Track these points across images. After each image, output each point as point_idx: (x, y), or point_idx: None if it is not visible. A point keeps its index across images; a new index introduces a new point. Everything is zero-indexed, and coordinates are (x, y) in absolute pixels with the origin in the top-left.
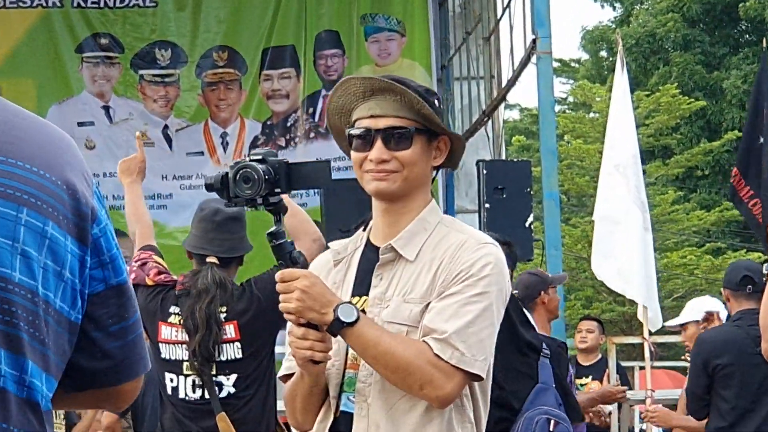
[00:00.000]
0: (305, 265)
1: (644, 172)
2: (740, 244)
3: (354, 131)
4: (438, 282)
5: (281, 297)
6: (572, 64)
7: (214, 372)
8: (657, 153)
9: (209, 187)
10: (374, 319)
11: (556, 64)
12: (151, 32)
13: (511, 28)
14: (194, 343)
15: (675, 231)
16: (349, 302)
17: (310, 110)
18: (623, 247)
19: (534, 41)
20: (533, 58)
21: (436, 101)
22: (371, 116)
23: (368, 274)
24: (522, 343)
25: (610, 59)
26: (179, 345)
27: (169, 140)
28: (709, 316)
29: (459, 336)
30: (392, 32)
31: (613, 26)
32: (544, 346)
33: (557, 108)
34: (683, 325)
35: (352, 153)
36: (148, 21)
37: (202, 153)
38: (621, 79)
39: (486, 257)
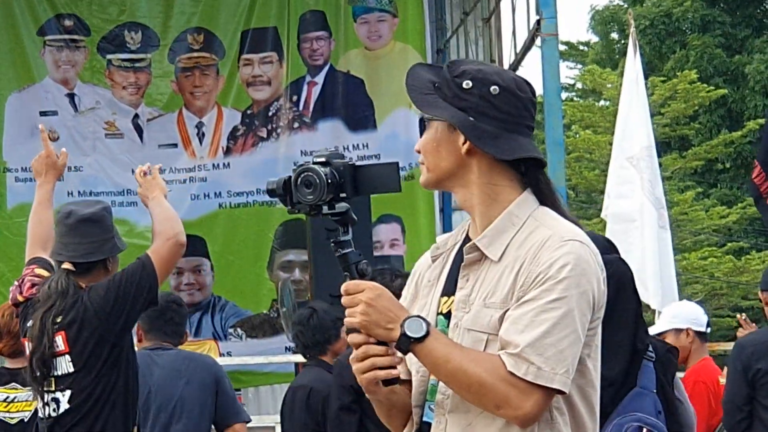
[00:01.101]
0: (373, 278)
1: (660, 165)
2: (764, 244)
3: None
4: (518, 285)
5: (347, 311)
6: (580, 47)
7: (53, 388)
8: (673, 144)
9: (271, 193)
10: (458, 323)
11: (562, 48)
12: (120, 13)
13: (513, 8)
14: (34, 356)
15: (693, 230)
16: (418, 316)
17: (294, 98)
18: (638, 247)
19: (538, 22)
20: (537, 41)
21: (467, 83)
22: None
23: (459, 273)
24: None
25: (622, 42)
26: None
27: (139, 131)
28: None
29: (534, 349)
30: (383, 12)
31: (626, 6)
32: (650, 348)
33: (564, 95)
34: (661, 334)
35: None
36: (117, 1)
37: (175, 145)
38: (633, 64)
39: (565, 257)
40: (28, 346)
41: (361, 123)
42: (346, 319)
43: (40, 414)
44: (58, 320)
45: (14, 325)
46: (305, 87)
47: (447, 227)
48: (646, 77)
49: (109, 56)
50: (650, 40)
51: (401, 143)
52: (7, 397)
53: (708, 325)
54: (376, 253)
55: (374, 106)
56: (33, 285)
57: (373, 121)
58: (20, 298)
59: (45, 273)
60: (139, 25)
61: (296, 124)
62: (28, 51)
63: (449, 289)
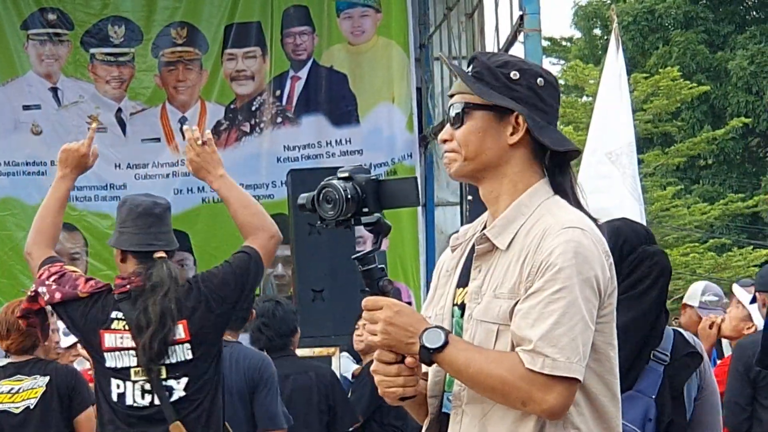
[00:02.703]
0: (396, 294)
1: (641, 161)
2: (746, 241)
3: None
4: (524, 276)
5: (367, 328)
6: (563, 43)
7: (164, 376)
8: (656, 141)
9: (302, 208)
10: (471, 314)
11: (545, 43)
12: (104, 7)
13: (497, 3)
14: (144, 338)
15: (675, 226)
16: (436, 327)
17: (278, 93)
18: None
19: (521, 18)
20: (520, 37)
21: (514, 73)
22: (450, 95)
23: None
24: None
25: (605, 38)
26: (125, 351)
27: (122, 125)
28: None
29: (546, 341)
30: (366, 7)
31: (609, 2)
32: (662, 350)
33: None
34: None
35: None
36: None
37: (158, 139)
38: (615, 60)
39: (565, 244)
40: (120, 339)
41: (344, 118)
42: (367, 338)
43: (130, 402)
44: (173, 307)
45: (23, 323)
46: (288, 82)
47: (429, 223)
48: (628, 73)
49: (92, 50)
50: (633, 36)
51: (384, 138)
52: (12, 389)
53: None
54: (358, 248)
55: (357, 101)
56: (88, 280)
57: (356, 116)
58: (82, 294)
59: (76, 269)
60: (123, 19)
61: (279, 119)
62: (12, 45)
63: (464, 281)
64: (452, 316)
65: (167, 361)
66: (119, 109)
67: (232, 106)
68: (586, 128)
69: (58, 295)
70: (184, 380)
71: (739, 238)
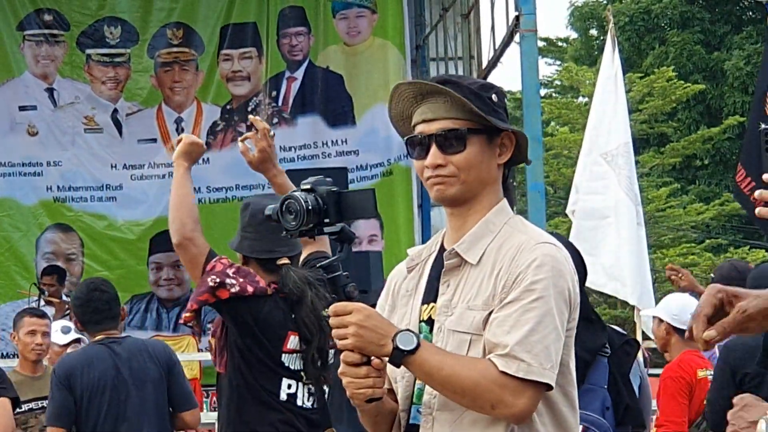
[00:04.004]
0: (365, 300)
1: (637, 162)
2: (743, 241)
3: (411, 138)
4: (499, 288)
5: (335, 332)
6: (559, 44)
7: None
8: (652, 141)
9: (269, 218)
10: (441, 327)
11: (541, 44)
12: (99, 8)
13: (492, 4)
14: (312, 350)
15: (671, 226)
16: (408, 329)
17: (273, 93)
18: (613, 244)
19: (517, 18)
20: (516, 37)
21: (494, 96)
22: (423, 121)
23: (438, 280)
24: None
25: (601, 38)
26: (298, 354)
27: (118, 126)
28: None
29: (522, 347)
30: (362, 8)
31: (605, 2)
32: (605, 344)
33: (543, 92)
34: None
35: (414, 162)
36: None
37: (154, 140)
38: (611, 60)
39: (541, 258)
40: (296, 342)
41: (340, 118)
42: (338, 342)
43: (300, 403)
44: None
45: (186, 318)
46: (284, 82)
47: (425, 223)
48: (625, 74)
49: (88, 51)
50: (629, 37)
51: (380, 139)
52: None
53: None
54: (354, 249)
55: (353, 102)
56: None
57: (352, 116)
58: (270, 291)
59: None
60: (119, 20)
61: (275, 120)
62: (8, 45)
63: (429, 297)
64: (420, 333)
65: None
66: (115, 110)
67: (228, 107)
68: (582, 129)
69: (250, 289)
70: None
71: (736, 238)
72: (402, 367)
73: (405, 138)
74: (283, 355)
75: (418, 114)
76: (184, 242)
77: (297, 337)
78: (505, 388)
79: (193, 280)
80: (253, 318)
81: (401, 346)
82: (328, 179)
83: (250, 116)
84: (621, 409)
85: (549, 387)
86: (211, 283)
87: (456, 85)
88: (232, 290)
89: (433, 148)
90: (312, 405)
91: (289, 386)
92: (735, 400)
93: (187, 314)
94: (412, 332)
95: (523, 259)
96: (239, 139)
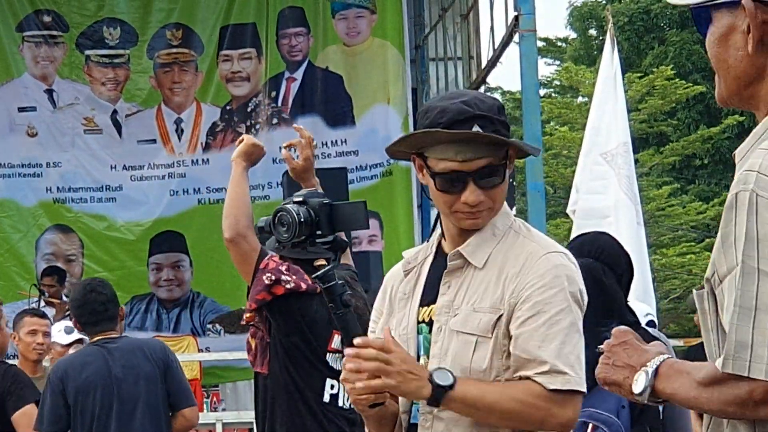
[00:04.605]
0: (364, 307)
1: (636, 161)
2: None
3: (444, 173)
4: (509, 292)
5: (376, 369)
6: (559, 44)
7: None
8: (651, 140)
9: (261, 230)
10: (441, 327)
11: (540, 44)
12: (99, 9)
13: (492, 4)
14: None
15: (671, 226)
16: (440, 368)
17: (273, 94)
18: None
19: (516, 18)
20: (516, 37)
21: (504, 116)
22: (462, 160)
23: (437, 283)
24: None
25: (600, 38)
26: (340, 355)
27: (118, 127)
28: None
29: (560, 360)
30: (361, 8)
31: (604, 2)
32: None
33: (542, 92)
34: None
35: (440, 194)
36: None
37: (154, 141)
38: (610, 60)
39: (555, 269)
40: (337, 339)
41: (339, 119)
42: (375, 381)
43: (341, 403)
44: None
45: (249, 318)
46: (284, 83)
47: (425, 223)
48: (623, 73)
49: (87, 52)
50: (629, 37)
51: (380, 139)
52: None
53: (650, 324)
54: (354, 249)
55: (353, 102)
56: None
57: (352, 117)
58: (319, 290)
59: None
60: (118, 21)
61: (275, 121)
62: (7, 47)
63: (427, 299)
64: (418, 333)
65: None
66: (115, 111)
67: (227, 108)
68: (581, 129)
69: (303, 286)
70: None
71: None
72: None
73: (433, 173)
74: (328, 354)
75: (450, 151)
76: (237, 238)
77: (340, 337)
78: (552, 402)
79: (242, 276)
80: (302, 315)
81: (440, 382)
82: (319, 191)
83: (295, 125)
84: (637, 409)
85: (584, 394)
86: (267, 281)
87: (486, 120)
88: (287, 286)
89: (472, 186)
90: (350, 405)
91: (332, 386)
92: (614, 331)
93: (248, 314)
94: (444, 368)
95: (536, 269)
96: (283, 145)
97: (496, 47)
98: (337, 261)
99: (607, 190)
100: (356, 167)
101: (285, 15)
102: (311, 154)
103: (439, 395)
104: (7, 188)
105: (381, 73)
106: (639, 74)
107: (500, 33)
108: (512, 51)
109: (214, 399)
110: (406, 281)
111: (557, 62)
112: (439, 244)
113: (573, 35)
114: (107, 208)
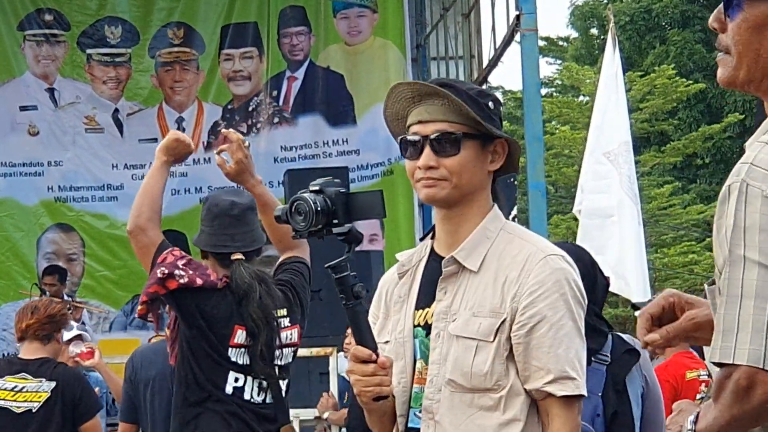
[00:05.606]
0: (370, 300)
1: (638, 161)
2: None
3: (405, 138)
4: (509, 297)
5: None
6: (560, 43)
7: (279, 375)
8: (652, 140)
9: (278, 219)
10: (440, 333)
11: (542, 43)
12: (100, 7)
13: (493, 3)
14: (259, 345)
15: (672, 225)
16: None
17: (274, 93)
18: (617, 242)
19: (518, 17)
20: (517, 36)
21: (490, 103)
22: (419, 122)
23: (432, 286)
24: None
25: (602, 37)
26: (245, 349)
27: (119, 125)
28: None
29: (568, 364)
30: (363, 8)
31: (605, 1)
32: (603, 353)
33: (543, 91)
34: None
35: (405, 162)
36: None
37: (155, 139)
38: (612, 59)
39: (555, 273)
40: (244, 336)
41: (340, 118)
42: (374, 388)
43: (248, 397)
44: (283, 312)
45: (53, 309)
46: (285, 82)
47: (426, 222)
48: (625, 72)
49: (89, 51)
50: (630, 36)
51: (381, 138)
52: (15, 386)
53: None
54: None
55: (354, 102)
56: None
57: (353, 116)
58: (221, 285)
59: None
60: (119, 20)
61: (276, 119)
62: (8, 46)
63: (423, 303)
64: (415, 337)
65: (279, 363)
66: (116, 110)
67: (229, 107)
68: (583, 128)
69: (199, 281)
70: (286, 381)
71: None
72: (396, 370)
73: (399, 138)
74: (230, 349)
75: (414, 115)
76: (135, 230)
77: (244, 332)
78: (565, 409)
79: (145, 270)
80: (199, 310)
81: None
82: (336, 180)
83: (223, 130)
84: (609, 416)
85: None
86: (159, 275)
87: (454, 89)
88: (181, 281)
89: (427, 150)
90: (263, 400)
91: (236, 380)
92: (673, 405)
93: (140, 307)
94: None
95: (536, 272)
96: (215, 152)
97: (497, 46)
98: (351, 252)
99: (610, 189)
100: (357, 166)
101: (286, 14)
102: (244, 156)
103: None
104: (9, 187)
105: (382, 72)
106: (640, 73)
107: (501, 32)
108: (513, 50)
109: None
110: (401, 284)
111: (558, 61)
112: (433, 246)
113: (574, 34)
114: (108, 207)
